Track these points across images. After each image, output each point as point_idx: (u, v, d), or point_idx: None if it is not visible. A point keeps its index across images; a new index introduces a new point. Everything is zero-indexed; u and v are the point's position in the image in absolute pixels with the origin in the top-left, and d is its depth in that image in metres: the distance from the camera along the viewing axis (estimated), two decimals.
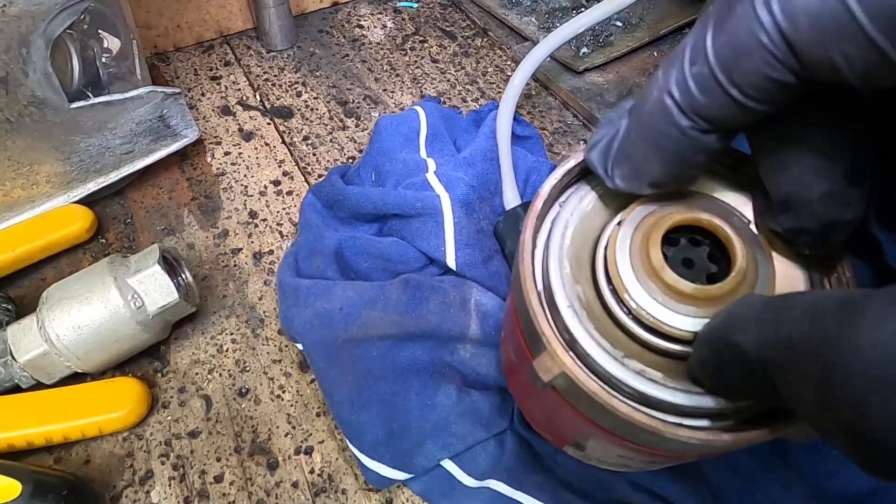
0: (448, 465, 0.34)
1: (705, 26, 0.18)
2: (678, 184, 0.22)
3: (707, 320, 0.20)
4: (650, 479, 0.33)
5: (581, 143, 0.53)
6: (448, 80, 0.59)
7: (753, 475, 0.33)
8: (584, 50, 0.59)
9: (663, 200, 0.23)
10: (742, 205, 0.24)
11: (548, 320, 0.22)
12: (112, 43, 0.47)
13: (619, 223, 0.23)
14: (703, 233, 0.22)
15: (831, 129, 0.19)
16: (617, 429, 0.22)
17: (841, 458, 0.33)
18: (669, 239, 0.23)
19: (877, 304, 0.13)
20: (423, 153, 0.44)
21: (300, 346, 0.37)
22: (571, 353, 0.21)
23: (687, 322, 0.21)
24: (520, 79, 0.47)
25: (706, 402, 0.21)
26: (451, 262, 0.38)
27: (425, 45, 0.63)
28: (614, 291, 0.22)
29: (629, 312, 0.21)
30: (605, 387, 0.21)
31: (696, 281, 0.21)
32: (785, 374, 0.15)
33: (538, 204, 0.24)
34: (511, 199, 0.41)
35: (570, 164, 0.25)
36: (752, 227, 0.24)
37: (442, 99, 0.57)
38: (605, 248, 0.23)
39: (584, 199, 0.25)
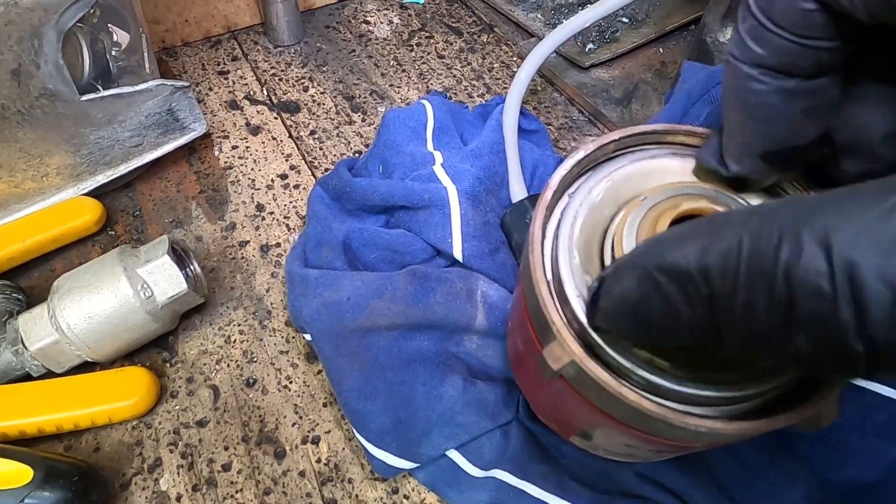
0: (454, 454, 0.34)
1: None
2: (792, 151, 0.21)
3: None
4: (655, 470, 0.33)
5: (588, 137, 0.53)
6: (454, 76, 0.59)
7: (759, 467, 0.33)
8: (590, 46, 0.59)
9: (671, 192, 0.23)
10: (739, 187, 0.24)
11: (557, 309, 0.22)
12: (122, 37, 0.48)
13: (625, 213, 0.23)
14: None
15: (889, 73, 0.20)
16: (625, 417, 0.23)
17: (848, 450, 0.33)
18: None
19: (838, 193, 0.13)
20: (430, 146, 0.44)
21: (308, 337, 0.37)
22: (581, 342, 0.21)
23: None
24: (526, 72, 0.47)
25: (714, 391, 0.21)
26: (457, 253, 0.38)
27: (431, 40, 0.63)
28: None
29: None
30: (614, 375, 0.21)
31: None
32: (732, 285, 0.14)
33: (548, 194, 0.24)
34: (518, 191, 0.41)
35: (580, 155, 0.25)
36: None
37: (448, 94, 0.57)
38: (613, 237, 0.23)
39: (593, 191, 0.25)
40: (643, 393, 0.21)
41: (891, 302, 0.11)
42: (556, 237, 0.24)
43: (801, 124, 0.20)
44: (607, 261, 0.23)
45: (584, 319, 0.22)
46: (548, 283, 0.23)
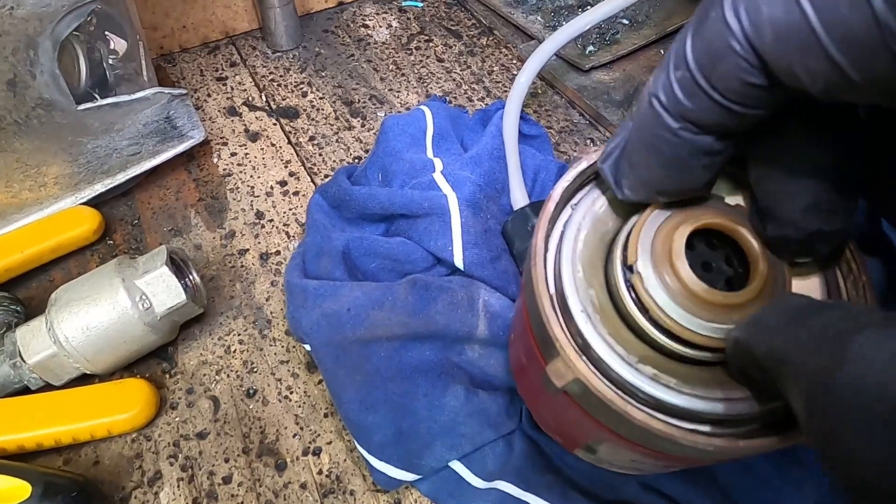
0: (456, 465, 0.34)
1: (686, 32, 0.18)
2: (687, 192, 0.22)
3: (726, 326, 0.20)
4: (660, 480, 0.33)
5: (589, 142, 0.53)
6: (454, 80, 0.59)
7: (765, 475, 0.33)
8: (591, 48, 0.59)
9: (679, 205, 0.23)
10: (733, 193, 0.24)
11: (561, 325, 0.22)
12: (119, 44, 0.47)
13: (634, 225, 0.23)
14: (719, 236, 0.22)
15: (819, 139, 0.19)
16: (631, 434, 0.22)
17: None
18: (688, 243, 0.22)
19: (862, 340, 0.14)
20: (429, 153, 0.44)
21: (308, 347, 0.37)
22: (585, 359, 0.21)
23: (706, 327, 0.20)
24: (526, 76, 0.46)
25: (721, 407, 0.20)
26: (458, 261, 0.37)
27: (431, 44, 0.62)
28: (635, 295, 0.21)
29: (650, 318, 0.21)
30: (620, 393, 0.21)
31: (715, 285, 0.21)
32: (786, 389, 0.16)
33: (550, 206, 0.24)
34: (519, 198, 0.41)
35: (583, 165, 0.25)
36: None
37: (448, 98, 0.57)
38: (624, 250, 0.22)
39: (596, 202, 0.24)
40: (650, 411, 0.20)
41: None
42: (558, 250, 0.23)
43: (699, 175, 0.21)
44: (616, 275, 0.22)
45: (587, 334, 0.21)
46: (551, 297, 0.22)
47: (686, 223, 0.21)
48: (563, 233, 0.24)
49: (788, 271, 0.22)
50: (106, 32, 0.46)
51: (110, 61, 0.46)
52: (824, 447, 0.14)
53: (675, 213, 0.22)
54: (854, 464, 0.13)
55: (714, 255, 0.23)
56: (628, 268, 0.22)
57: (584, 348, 0.21)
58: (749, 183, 0.22)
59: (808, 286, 0.23)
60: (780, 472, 0.33)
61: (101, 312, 0.35)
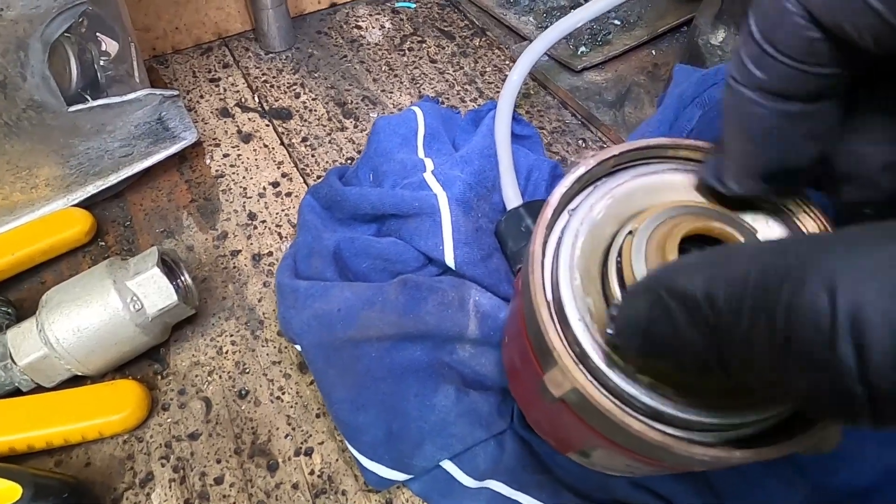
0: (448, 465, 0.34)
1: (748, 11, 0.19)
2: (794, 169, 0.21)
3: None
4: (652, 479, 0.33)
5: (580, 142, 0.53)
6: (446, 80, 0.59)
7: (755, 473, 0.33)
8: (583, 49, 0.59)
9: (674, 211, 0.23)
10: (755, 222, 0.24)
11: (559, 334, 0.21)
12: (110, 46, 0.47)
13: (629, 233, 0.23)
14: (712, 242, 0.22)
15: (891, 102, 0.19)
16: (627, 443, 0.22)
17: (843, 456, 0.33)
18: (680, 249, 0.22)
19: (850, 234, 0.13)
20: (420, 153, 0.44)
21: (299, 348, 0.37)
22: (583, 368, 0.21)
23: None
24: (518, 74, 0.46)
25: (717, 418, 0.20)
26: (449, 260, 0.38)
27: (423, 45, 0.63)
28: None
29: None
30: (618, 403, 0.20)
31: None
32: (735, 315, 0.14)
33: (548, 213, 0.24)
34: (512, 197, 0.41)
35: (581, 171, 0.24)
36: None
37: (440, 99, 0.57)
38: (619, 258, 0.22)
39: (594, 208, 0.24)
40: (647, 421, 0.20)
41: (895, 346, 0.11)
42: (556, 257, 0.23)
43: (801, 146, 0.20)
44: (612, 283, 0.22)
45: (585, 343, 0.21)
46: (548, 305, 0.22)
47: (676, 229, 0.21)
48: (560, 239, 0.24)
49: None
50: (97, 34, 0.46)
51: (101, 63, 0.46)
52: (813, 368, 0.12)
53: (667, 220, 0.22)
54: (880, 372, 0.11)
55: None
56: (621, 279, 0.22)
57: (582, 358, 0.21)
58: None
59: None
60: (771, 470, 0.33)
61: (92, 314, 0.35)
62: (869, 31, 0.15)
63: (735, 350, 0.15)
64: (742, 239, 0.21)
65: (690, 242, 0.22)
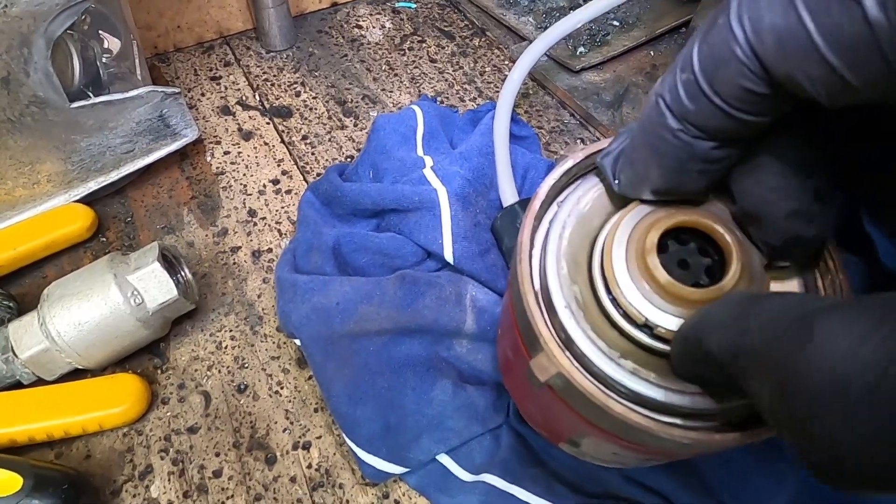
0: (444, 459, 0.34)
1: (695, 37, 0.18)
2: (681, 193, 0.22)
3: None
4: (643, 472, 0.33)
5: (578, 141, 0.53)
6: (446, 80, 0.59)
7: (745, 468, 0.33)
8: (581, 49, 0.59)
9: (662, 204, 0.23)
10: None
11: (545, 320, 0.22)
12: (112, 43, 0.48)
13: (615, 224, 0.23)
14: (697, 235, 0.23)
15: (802, 146, 0.19)
16: (612, 427, 0.23)
17: None
18: (665, 241, 0.23)
19: (828, 322, 0.14)
20: (419, 151, 0.44)
21: (298, 342, 0.37)
22: (568, 354, 0.21)
23: (680, 323, 0.21)
24: (518, 74, 0.47)
25: (698, 402, 0.21)
26: (448, 254, 0.38)
27: (423, 45, 0.63)
28: (609, 292, 0.22)
29: (624, 314, 0.22)
30: (601, 387, 0.21)
31: (692, 282, 0.21)
32: (747, 381, 0.16)
33: (536, 204, 0.24)
34: (509, 195, 0.42)
35: (569, 164, 0.25)
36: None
37: (440, 98, 0.57)
38: (602, 248, 0.23)
39: (581, 200, 0.25)
40: (629, 404, 0.21)
41: None
42: (544, 247, 0.24)
43: (696, 180, 0.21)
44: (595, 272, 0.23)
45: (570, 329, 0.22)
46: (535, 293, 0.23)
47: (660, 222, 0.22)
48: (548, 230, 0.24)
49: (764, 270, 0.22)
50: (100, 31, 0.47)
51: (104, 60, 0.46)
52: (796, 436, 0.14)
53: (651, 213, 0.23)
54: (833, 448, 0.13)
55: (692, 253, 0.23)
56: (604, 277, 0.22)
57: (567, 343, 0.22)
58: (730, 186, 0.22)
59: (786, 288, 0.23)
60: (761, 464, 0.33)
61: (92, 308, 0.36)
62: (823, 83, 0.15)
63: (752, 400, 0.16)
64: (724, 234, 0.21)
65: (675, 234, 0.23)
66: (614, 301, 0.22)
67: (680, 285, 0.21)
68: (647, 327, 0.21)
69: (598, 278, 0.22)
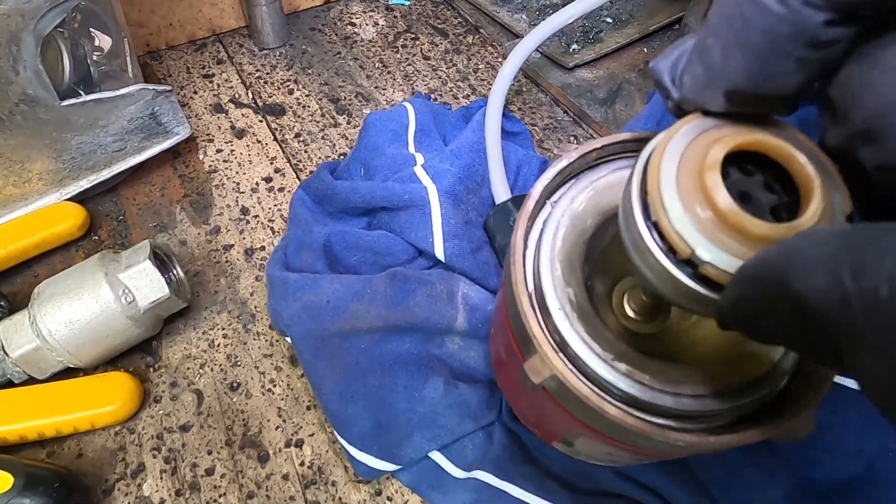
0: (436, 456, 0.34)
1: None
2: (766, 95, 0.17)
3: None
4: (636, 469, 0.33)
5: (572, 139, 0.53)
6: (439, 77, 0.59)
7: (738, 464, 0.33)
8: (574, 46, 0.59)
9: (709, 122, 0.19)
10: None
11: (539, 322, 0.22)
12: (103, 41, 0.47)
13: (666, 136, 0.18)
14: (767, 165, 0.18)
15: None
16: (606, 429, 0.23)
17: (825, 447, 0.34)
18: (727, 167, 0.18)
19: None
20: (411, 148, 0.44)
21: (289, 340, 0.37)
22: (562, 356, 0.21)
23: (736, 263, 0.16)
24: (510, 69, 0.47)
25: (693, 404, 0.21)
26: (439, 252, 0.38)
27: (417, 42, 0.63)
28: (648, 216, 0.18)
29: (666, 244, 0.17)
30: (596, 389, 0.21)
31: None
32: (857, 340, 0.12)
33: (530, 204, 0.24)
34: (501, 192, 0.41)
35: (563, 163, 0.25)
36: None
37: (433, 96, 0.57)
38: (646, 162, 0.18)
39: (575, 200, 0.24)
40: (624, 407, 0.21)
41: None
42: (537, 248, 0.24)
43: (792, 74, 0.16)
44: (633, 189, 0.18)
45: (564, 331, 0.22)
46: (529, 295, 0.23)
47: (727, 138, 0.17)
48: (542, 230, 0.24)
49: (848, 203, 0.18)
50: (90, 29, 0.46)
51: (94, 57, 0.46)
52: None
53: (715, 127, 0.18)
54: None
55: (753, 184, 0.18)
56: (644, 186, 0.18)
57: (562, 345, 0.22)
58: (832, 93, 0.17)
59: None
60: (753, 460, 0.34)
61: (83, 306, 0.36)
62: None
63: (850, 366, 0.13)
64: (802, 160, 0.17)
65: (731, 162, 0.18)
66: (654, 226, 0.18)
67: (745, 214, 0.16)
68: (690, 264, 0.17)
69: (635, 198, 0.18)
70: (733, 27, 0.16)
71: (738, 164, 0.18)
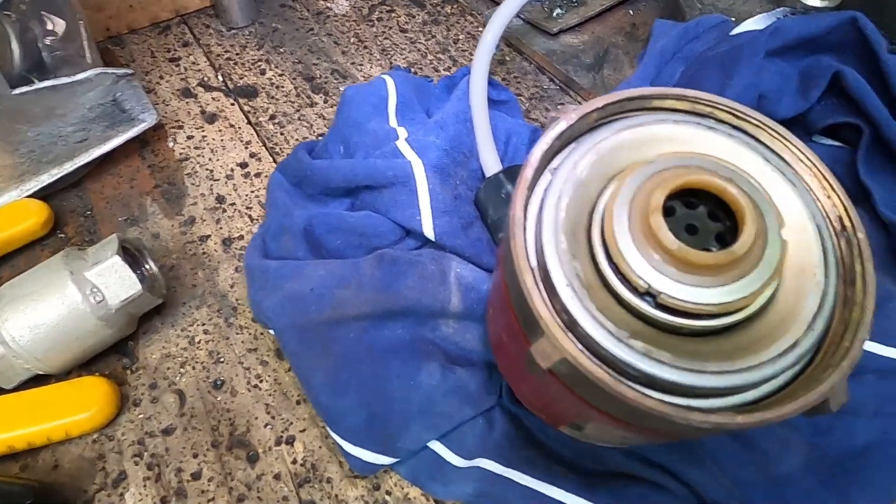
0: (435, 445, 0.32)
1: None
2: None
3: (718, 289, 0.19)
4: (646, 447, 0.32)
5: (559, 108, 0.51)
6: (418, 50, 0.56)
7: (750, 435, 0.32)
8: (558, 11, 0.57)
9: (661, 164, 0.21)
10: (737, 156, 0.23)
11: (545, 302, 0.20)
12: (57, 25, 0.44)
13: (617, 186, 0.21)
14: (707, 199, 0.21)
15: None
16: (622, 413, 0.21)
17: (837, 414, 0.32)
18: (672, 205, 0.21)
19: None
20: (393, 122, 0.42)
21: (273, 332, 0.35)
22: (572, 337, 0.19)
23: (697, 293, 0.19)
24: (492, 35, 0.44)
25: (716, 381, 0.19)
26: (428, 231, 0.36)
27: (393, 14, 0.60)
28: (610, 260, 0.20)
29: (626, 282, 0.20)
30: (611, 371, 0.19)
31: (702, 247, 0.19)
32: None
33: (528, 172, 0.22)
34: (491, 164, 0.39)
35: (561, 126, 0.23)
36: (751, 176, 0.22)
37: (413, 69, 0.54)
38: (603, 212, 0.21)
39: (578, 166, 0.22)
40: (643, 389, 0.19)
41: None
42: (539, 220, 0.21)
43: None
44: (595, 244, 0.21)
45: (573, 310, 0.20)
46: (533, 271, 0.20)
47: (666, 182, 0.20)
48: (543, 201, 0.22)
49: (780, 222, 0.20)
50: (41, 12, 0.43)
51: (47, 42, 0.43)
52: None
53: (657, 174, 0.21)
54: None
55: (698, 216, 0.21)
56: (604, 242, 0.20)
57: (571, 325, 0.20)
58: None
59: (799, 236, 0.21)
60: (766, 431, 0.32)
61: (48, 308, 0.33)
62: None
63: None
64: (735, 193, 0.19)
65: (677, 197, 0.21)
66: (616, 269, 0.20)
67: (687, 248, 0.19)
68: (649, 295, 0.19)
69: (598, 245, 0.21)
70: None
71: (683, 198, 0.21)
